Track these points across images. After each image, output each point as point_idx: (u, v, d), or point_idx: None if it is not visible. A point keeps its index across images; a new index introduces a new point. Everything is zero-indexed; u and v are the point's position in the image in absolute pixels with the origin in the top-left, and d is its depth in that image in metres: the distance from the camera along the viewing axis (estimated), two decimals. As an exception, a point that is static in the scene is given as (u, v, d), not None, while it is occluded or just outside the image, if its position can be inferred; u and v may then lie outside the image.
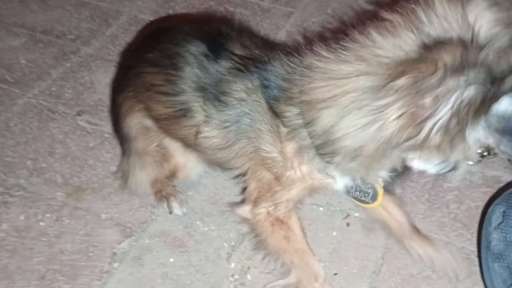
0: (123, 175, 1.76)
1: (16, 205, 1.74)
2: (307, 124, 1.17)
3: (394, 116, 1.00)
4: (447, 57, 0.94)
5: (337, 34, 1.17)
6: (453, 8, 1.01)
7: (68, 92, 2.20)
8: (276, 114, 1.28)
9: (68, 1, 2.65)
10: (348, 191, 1.43)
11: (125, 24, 2.53)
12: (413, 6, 1.05)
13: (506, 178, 1.81)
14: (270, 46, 1.43)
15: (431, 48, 0.97)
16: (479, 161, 1.22)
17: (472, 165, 1.13)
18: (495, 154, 1.86)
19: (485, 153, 1.87)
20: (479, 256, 1.48)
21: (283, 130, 1.28)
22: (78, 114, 2.10)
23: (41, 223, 1.70)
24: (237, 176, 1.55)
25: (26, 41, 2.42)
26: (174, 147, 1.66)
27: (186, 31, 1.52)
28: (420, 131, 1.00)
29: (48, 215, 1.72)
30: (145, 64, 1.54)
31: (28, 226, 1.68)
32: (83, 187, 1.82)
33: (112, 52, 2.40)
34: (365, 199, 1.43)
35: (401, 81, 0.96)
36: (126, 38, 2.45)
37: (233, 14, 2.55)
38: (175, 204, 1.73)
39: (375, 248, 1.62)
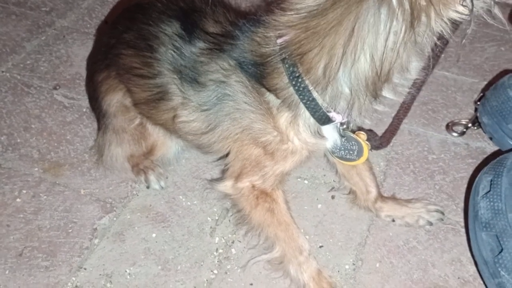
0: (99, 150, 1.72)
1: (-10, 182, 1.68)
2: (307, 74, 1.13)
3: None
4: None
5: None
6: None
7: (44, 66, 2.12)
8: (266, 89, 1.23)
9: (41, -28, 2.56)
10: (333, 151, 1.41)
11: (102, -4, 2.45)
12: None
13: (490, 149, 1.81)
14: (244, 18, 1.37)
15: None
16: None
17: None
18: (479, 125, 1.87)
19: (469, 125, 1.88)
20: (466, 227, 1.48)
21: (275, 103, 1.24)
22: (55, 88, 2.03)
23: (18, 200, 1.64)
24: (219, 158, 1.51)
25: (-2, 13, 2.33)
26: (154, 127, 1.61)
27: (160, 8, 1.45)
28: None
29: (25, 191, 1.67)
30: (123, 46, 1.49)
31: (3, 203, 1.62)
32: (61, 162, 1.76)
33: (89, 25, 2.32)
34: (350, 157, 1.41)
35: None
36: (103, 10, 2.37)
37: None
38: (152, 178, 1.69)
39: (360, 220, 1.60)
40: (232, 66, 1.26)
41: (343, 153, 1.42)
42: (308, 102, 1.18)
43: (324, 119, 1.22)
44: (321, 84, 1.13)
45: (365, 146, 1.39)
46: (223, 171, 1.50)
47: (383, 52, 1.02)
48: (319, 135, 1.28)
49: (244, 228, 1.49)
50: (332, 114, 1.21)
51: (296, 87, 1.16)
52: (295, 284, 1.42)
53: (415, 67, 1.15)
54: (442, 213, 1.58)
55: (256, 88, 1.24)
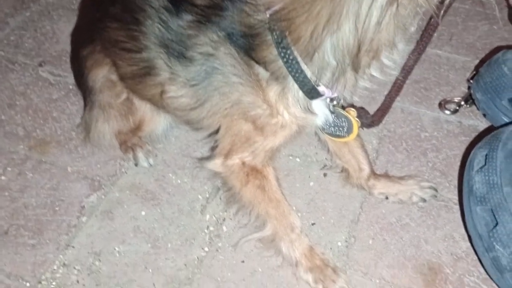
0: (86, 128, 1.67)
1: (-26, 159, 1.64)
2: (295, 43, 1.10)
3: None
4: None
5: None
6: None
7: (28, 42, 2.06)
8: (255, 61, 1.20)
9: None
10: (323, 128, 1.39)
11: (88, -29, 2.38)
12: None
13: (483, 127, 1.79)
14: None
15: None
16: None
17: None
18: (471, 103, 1.86)
19: (462, 103, 1.87)
20: (460, 202, 1.47)
21: (264, 76, 1.21)
22: (40, 65, 1.98)
23: (3, 178, 1.60)
24: (209, 135, 1.49)
25: (-20, -12, 2.26)
26: (142, 102, 1.57)
27: None
28: None
29: (10, 169, 1.63)
30: (109, 19, 1.44)
31: (-12, 181, 1.59)
32: (47, 140, 1.72)
33: (75, 1, 2.27)
34: (340, 133, 1.39)
35: None
36: (90, -14, 2.30)
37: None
38: (141, 155, 1.66)
39: (353, 198, 1.59)
40: (221, 37, 1.22)
41: (333, 130, 1.40)
42: (297, 75, 1.16)
43: (312, 93, 1.20)
44: (309, 55, 1.11)
45: (355, 122, 1.37)
46: (213, 148, 1.47)
47: (365, 21, 0.99)
48: (309, 110, 1.26)
49: (234, 206, 1.46)
50: (321, 89, 1.19)
51: (285, 59, 1.14)
52: (287, 262, 1.40)
53: (402, 49, 1.14)
54: (436, 190, 1.57)
55: (245, 60, 1.21)
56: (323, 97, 1.23)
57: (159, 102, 1.44)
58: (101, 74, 1.54)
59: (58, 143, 1.72)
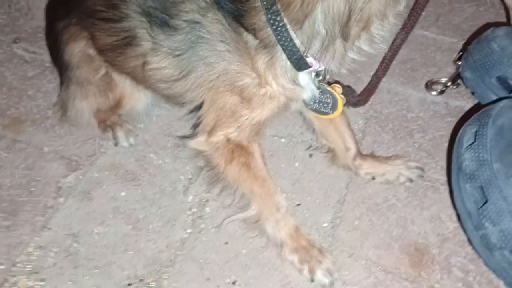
0: (63, 106, 1.61)
1: None
2: (285, 10, 1.07)
3: None
4: None
5: None
6: None
7: (3, 18, 1.99)
8: (244, 28, 1.15)
9: None
10: (307, 104, 1.35)
11: None
12: None
13: (469, 107, 1.78)
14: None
15: None
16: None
17: None
18: (458, 84, 1.84)
19: (449, 84, 1.85)
20: (449, 181, 1.45)
21: (253, 44, 1.17)
22: (15, 42, 1.90)
23: (-25, 157, 1.53)
24: (191, 112, 1.44)
25: (-50, -39, 2.16)
26: (121, 77, 1.52)
27: None
28: None
29: (-17, 148, 1.56)
30: None
31: (-40, 160, 1.52)
32: (22, 118, 1.65)
33: (51, -24, 2.18)
34: (325, 110, 1.36)
35: None
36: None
37: None
38: (120, 134, 1.60)
39: (339, 178, 1.56)
40: (208, 3, 1.17)
41: (317, 106, 1.36)
42: (286, 44, 1.12)
43: (300, 64, 1.16)
44: (299, 22, 1.07)
45: (340, 99, 1.34)
46: (195, 126, 1.42)
47: None
48: (296, 82, 1.22)
49: (218, 186, 1.41)
50: (309, 60, 1.16)
51: (274, 26, 1.10)
52: (272, 243, 1.37)
53: (392, 23, 1.11)
54: (422, 170, 1.55)
55: (233, 27, 1.16)
56: (310, 69, 1.20)
57: (140, 75, 1.39)
58: (78, 49, 1.47)
59: (33, 122, 1.65)
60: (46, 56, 1.83)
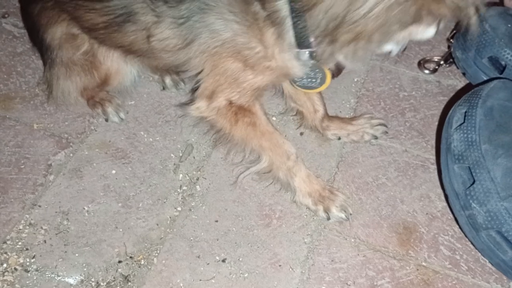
0: (48, 86, 1.59)
1: None
2: None
3: None
4: None
5: None
6: None
7: (-10, -8, 1.95)
8: None
9: None
10: (295, 80, 1.37)
11: None
12: None
13: (461, 86, 1.77)
14: None
15: None
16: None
17: None
18: (451, 63, 1.83)
19: (441, 63, 1.84)
20: (438, 162, 1.45)
21: (262, 15, 1.16)
22: (3, 17, 1.87)
23: (-36, 134, 1.52)
24: (190, 77, 1.42)
25: None
26: (105, 54, 1.50)
27: None
28: None
29: (-29, 125, 1.55)
30: None
31: None
32: (11, 95, 1.64)
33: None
34: (313, 85, 1.38)
35: None
36: None
37: None
38: (110, 110, 1.59)
39: (329, 157, 1.56)
40: None
41: (305, 82, 1.38)
42: (295, 19, 1.12)
43: (304, 42, 1.17)
44: (309, 9, 1.07)
45: (328, 73, 1.36)
46: (193, 90, 1.41)
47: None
48: (301, 59, 1.23)
49: (225, 146, 1.44)
50: (312, 40, 1.16)
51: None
52: (285, 189, 1.43)
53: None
54: (386, 126, 1.59)
55: None
56: (311, 49, 1.20)
57: (137, 47, 1.37)
58: (59, 31, 1.46)
59: (23, 98, 1.64)
60: (35, 32, 1.80)
